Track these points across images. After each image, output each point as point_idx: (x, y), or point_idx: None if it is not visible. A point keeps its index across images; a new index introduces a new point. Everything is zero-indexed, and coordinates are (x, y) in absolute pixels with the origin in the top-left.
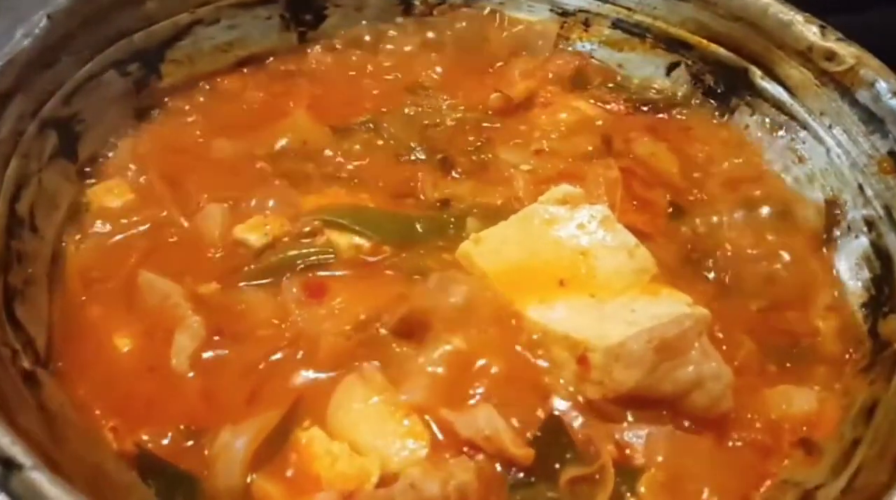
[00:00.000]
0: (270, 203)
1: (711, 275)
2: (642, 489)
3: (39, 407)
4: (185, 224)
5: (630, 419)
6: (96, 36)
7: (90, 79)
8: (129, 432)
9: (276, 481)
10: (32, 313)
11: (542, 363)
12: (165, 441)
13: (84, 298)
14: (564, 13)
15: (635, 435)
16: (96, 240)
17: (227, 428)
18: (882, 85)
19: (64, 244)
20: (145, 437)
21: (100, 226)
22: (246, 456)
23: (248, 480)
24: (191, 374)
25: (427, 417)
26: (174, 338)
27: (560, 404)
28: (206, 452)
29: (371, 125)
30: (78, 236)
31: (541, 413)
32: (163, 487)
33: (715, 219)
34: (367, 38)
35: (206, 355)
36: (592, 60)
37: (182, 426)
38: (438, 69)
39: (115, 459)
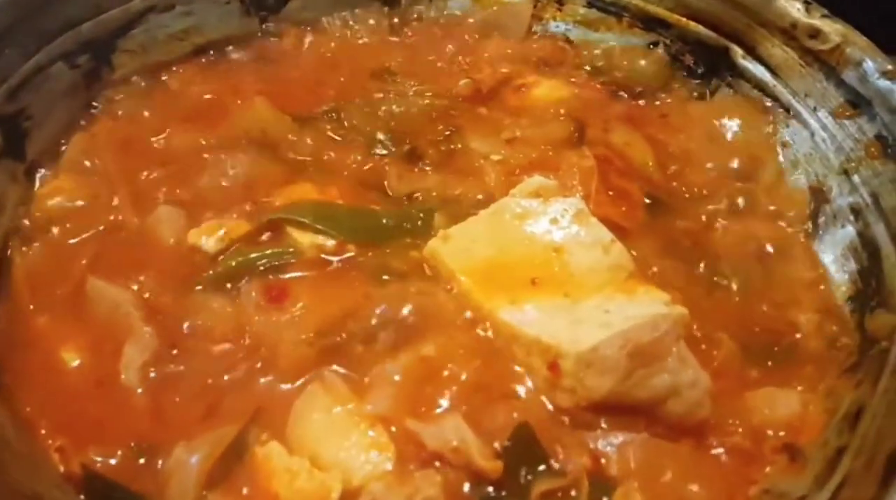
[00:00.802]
0: (229, 200)
1: (690, 270)
2: None
3: None
4: (139, 226)
5: (604, 426)
6: (42, 26)
7: (37, 72)
8: (77, 451)
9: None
10: None
11: (513, 369)
12: (115, 461)
13: (31, 307)
14: None
15: (609, 444)
16: (45, 244)
17: (181, 445)
18: (869, 64)
19: (10, 250)
20: (94, 457)
21: (48, 229)
22: (200, 474)
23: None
24: (141, 389)
25: (392, 428)
26: (124, 350)
27: (531, 413)
28: (157, 471)
29: (334, 115)
30: (25, 241)
31: (511, 422)
32: None
33: (694, 211)
34: (332, 22)
35: (159, 367)
36: (567, 42)
37: (133, 444)
38: (405, 54)
39: (59, 483)
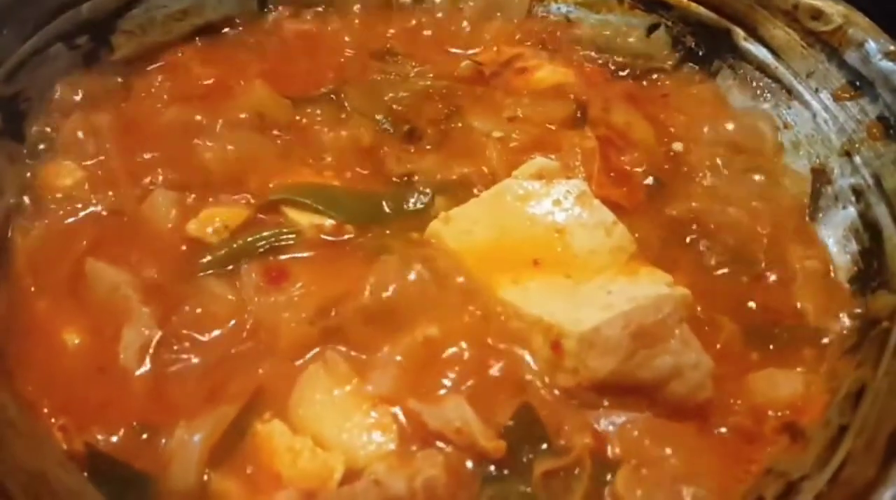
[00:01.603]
0: (227, 183)
1: (692, 252)
2: (620, 481)
3: None
4: (137, 209)
5: (607, 406)
6: (40, 7)
7: (35, 53)
8: (79, 430)
9: (234, 479)
10: None
11: (516, 349)
12: (117, 440)
13: (32, 289)
14: None
15: (612, 424)
16: (45, 226)
17: (182, 424)
18: (872, 45)
19: (10, 232)
20: (96, 436)
21: (48, 211)
22: (202, 453)
23: (205, 478)
24: (141, 370)
25: (395, 408)
26: (123, 332)
27: (533, 393)
28: (160, 450)
29: (334, 96)
30: (25, 223)
31: (513, 402)
32: (114, 489)
33: (695, 192)
34: (332, 2)
35: (159, 349)
36: (568, 23)
37: (135, 423)
38: (407, 35)
39: (62, 462)
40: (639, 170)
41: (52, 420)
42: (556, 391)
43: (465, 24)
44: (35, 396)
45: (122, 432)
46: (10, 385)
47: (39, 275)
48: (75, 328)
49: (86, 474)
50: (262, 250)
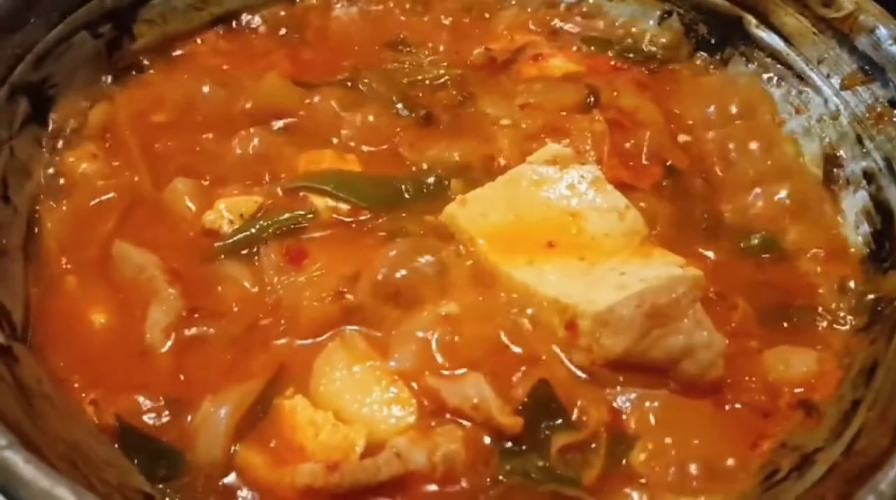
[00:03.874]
0: (246, 171)
1: (704, 233)
2: (637, 455)
3: (16, 383)
4: (157, 196)
5: (622, 383)
6: None
7: (60, 41)
8: (109, 405)
9: (259, 451)
10: (7, 286)
11: (531, 328)
12: (146, 414)
13: (61, 269)
14: None
15: (628, 400)
16: (72, 209)
17: (209, 398)
18: (882, 31)
19: (38, 214)
20: (125, 410)
21: (74, 194)
22: (229, 426)
23: (232, 451)
24: (166, 347)
25: (413, 384)
26: (148, 312)
27: (549, 370)
28: (187, 424)
29: (349, 84)
30: (53, 205)
31: (530, 379)
32: (145, 461)
33: (706, 176)
34: None
35: (183, 328)
36: (581, 11)
37: (161, 399)
38: (421, 23)
39: (95, 433)
40: (650, 153)
41: (83, 395)
42: (572, 368)
43: (479, 12)
44: (65, 372)
45: (149, 407)
46: (44, 361)
47: (68, 256)
48: (102, 308)
49: (116, 446)
50: (279, 232)
